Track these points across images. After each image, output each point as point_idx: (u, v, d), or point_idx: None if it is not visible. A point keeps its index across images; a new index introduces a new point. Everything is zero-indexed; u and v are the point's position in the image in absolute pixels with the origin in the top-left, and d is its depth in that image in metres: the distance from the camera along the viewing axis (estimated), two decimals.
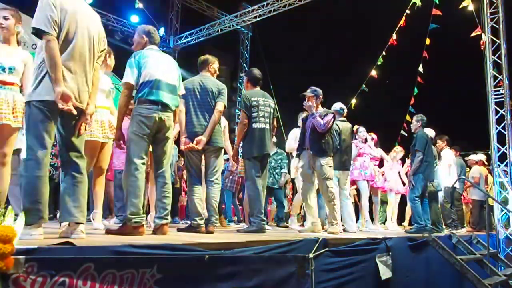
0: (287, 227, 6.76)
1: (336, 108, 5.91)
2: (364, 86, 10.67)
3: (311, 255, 2.95)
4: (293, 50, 13.46)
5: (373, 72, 10.53)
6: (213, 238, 3.08)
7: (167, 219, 3.42)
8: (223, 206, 7.54)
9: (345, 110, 6.06)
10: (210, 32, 12.25)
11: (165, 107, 3.39)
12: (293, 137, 6.33)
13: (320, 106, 5.10)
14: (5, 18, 3.34)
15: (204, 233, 3.82)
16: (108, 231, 3.26)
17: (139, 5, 10.72)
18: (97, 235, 2.98)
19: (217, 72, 4.38)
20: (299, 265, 2.87)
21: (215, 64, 4.32)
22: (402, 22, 9.71)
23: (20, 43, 3.58)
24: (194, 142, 3.97)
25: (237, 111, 14.00)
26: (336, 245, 3.38)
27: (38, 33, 2.52)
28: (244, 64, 14.28)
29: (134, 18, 11.69)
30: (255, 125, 4.54)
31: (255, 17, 11.46)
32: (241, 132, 4.55)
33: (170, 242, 2.36)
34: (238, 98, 14.11)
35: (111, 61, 4.25)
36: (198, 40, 12.50)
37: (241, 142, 4.60)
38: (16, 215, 1.89)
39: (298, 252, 2.93)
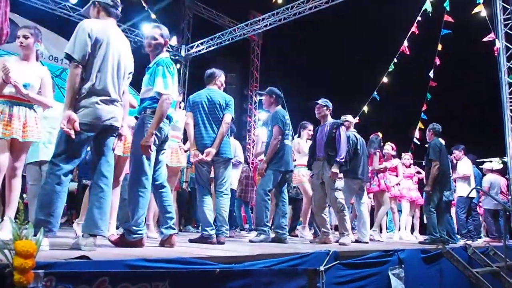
0: (297, 235, 6.76)
1: (347, 119, 5.94)
2: (375, 93, 10.66)
3: (322, 268, 2.95)
4: (303, 58, 13.49)
5: (385, 79, 10.52)
6: (224, 251, 3.10)
7: (174, 228, 3.42)
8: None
9: (351, 121, 6.08)
10: (221, 41, 12.37)
11: (170, 120, 3.47)
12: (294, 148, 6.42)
13: (329, 116, 5.18)
14: (25, 37, 3.47)
15: (216, 244, 3.84)
16: (112, 241, 3.24)
17: (152, 15, 10.87)
18: (108, 248, 3.02)
19: (224, 85, 4.44)
20: (310, 278, 2.88)
21: (221, 77, 4.38)
22: (413, 29, 9.70)
23: (39, 57, 3.67)
24: (204, 154, 4.02)
25: (248, 119, 14.07)
26: (347, 257, 3.37)
27: (68, 58, 2.71)
28: (255, 72, 14.37)
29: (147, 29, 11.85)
30: (287, 142, 4.78)
31: (265, 26, 11.55)
32: (276, 147, 4.70)
33: (181, 256, 2.39)
34: (249, 106, 14.18)
35: None
36: (209, 49, 12.63)
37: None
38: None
39: (309, 265, 2.94)
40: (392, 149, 7.19)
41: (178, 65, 12.79)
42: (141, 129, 3.30)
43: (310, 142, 6.10)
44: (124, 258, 2.13)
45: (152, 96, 3.30)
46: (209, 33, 12.57)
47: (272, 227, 5.05)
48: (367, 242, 5.30)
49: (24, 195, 6.31)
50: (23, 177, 4.75)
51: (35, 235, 1.90)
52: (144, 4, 10.73)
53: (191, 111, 4.16)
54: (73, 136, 2.66)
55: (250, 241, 4.53)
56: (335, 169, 4.85)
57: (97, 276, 1.87)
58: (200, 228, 4.19)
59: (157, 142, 3.32)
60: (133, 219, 3.19)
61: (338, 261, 3.18)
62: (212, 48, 12.58)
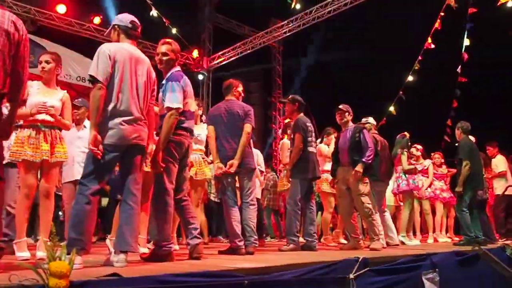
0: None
1: (368, 121, 5.88)
2: (401, 92, 10.49)
3: (352, 276, 2.92)
4: (325, 61, 13.42)
5: (410, 78, 10.34)
6: (253, 261, 3.11)
7: (199, 237, 3.44)
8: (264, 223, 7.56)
9: (373, 123, 6.01)
10: (242, 50, 12.46)
11: (192, 133, 3.53)
12: None
13: (351, 121, 5.17)
14: (47, 62, 3.61)
15: (245, 255, 3.86)
16: (143, 258, 3.32)
17: (173, 30, 11.08)
18: (139, 263, 3.09)
19: (242, 95, 4.46)
20: (339, 286, 2.86)
21: (239, 87, 4.40)
22: (437, 25, 9.52)
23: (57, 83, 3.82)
24: (227, 166, 4.06)
25: (273, 126, 14.09)
26: (377, 263, 3.32)
27: (93, 80, 2.82)
28: (278, 78, 14.39)
29: None
30: (310, 149, 4.77)
31: (285, 32, 11.57)
32: (297, 155, 4.70)
33: (210, 269, 2.42)
34: (274, 113, 14.21)
35: None
36: (231, 59, 12.74)
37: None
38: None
39: (339, 272, 2.91)
40: (417, 150, 7.05)
41: (201, 77, 12.96)
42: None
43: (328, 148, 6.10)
44: (154, 274, 2.18)
45: (166, 112, 3.36)
46: (230, 43, 12.67)
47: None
48: (397, 244, 5.21)
49: (60, 213, 6.53)
50: (59, 196, 4.94)
51: (68, 253, 1.98)
52: (164, 20, 10.94)
53: (212, 125, 4.22)
54: (100, 157, 2.76)
55: (280, 250, 4.53)
56: (359, 168, 4.80)
57: None
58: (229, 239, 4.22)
59: (177, 157, 3.36)
60: (160, 234, 3.26)
61: (369, 268, 3.13)
62: (233, 58, 12.68)
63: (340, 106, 5.16)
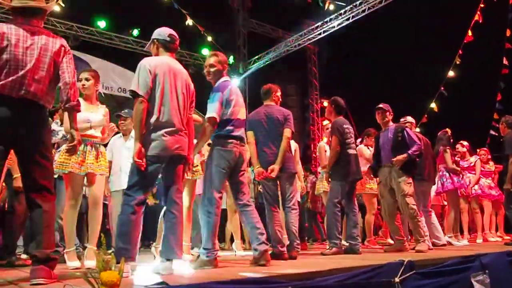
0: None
1: (407, 121, 5.75)
2: (442, 88, 10.18)
3: (397, 279, 2.87)
4: (362, 60, 13.20)
5: (451, 73, 10.02)
6: (296, 267, 3.12)
7: (267, 243, 3.43)
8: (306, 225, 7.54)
9: (412, 122, 5.88)
10: (277, 53, 12.48)
11: (242, 141, 3.57)
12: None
13: (391, 121, 5.07)
14: (87, 80, 3.78)
15: (288, 259, 3.87)
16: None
17: (208, 37, 11.28)
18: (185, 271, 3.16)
19: (281, 100, 4.50)
20: None
21: (278, 92, 4.44)
22: (477, 17, 9.19)
23: (98, 97, 4.01)
24: (268, 171, 4.09)
25: (311, 128, 14.02)
26: (424, 266, 3.24)
27: (134, 95, 2.94)
28: (314, 80, 14.31)
29: (205, 51, 12.29)
30: (349, 151, 4.72)
31: (320, 34, 11.49)
32: (334, 157, 4.69)
33: (253, 275, 2.46)
34: (311, 115, 14.13)
35: None
36: (266, 63, 12.79)
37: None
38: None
39: (383, 276, 2.86)
40: (463, 146, 6.81)
41: (238, 82, 13.09)
42: (210, 156, 3.49)
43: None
44: (199, 282, 2.24)
45: (220, 123, 3.47)
46: (265, 47, 12.74)
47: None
48: (445, 245, 5.05)
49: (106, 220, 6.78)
50: (106, 205, 5.14)
51: (117, 263, 2.07)
52: (200, 28, 11.16)
53: (251, 130, 4.25)
54: (143, 169, 2.86)
55: (323, 254, 4.50)
56: (402, 157, 4.71)
57: None
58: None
59: (226, 164, 3.41)
60: (205, 240, 3.34)
61: (415, 271, 3.07)
62: (269, 62, 12.73)
63: (381, 105, 5.06)
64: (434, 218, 5.39)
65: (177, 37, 3.27)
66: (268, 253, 3.41)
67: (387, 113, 5.03)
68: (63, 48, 2.69)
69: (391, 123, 5.06)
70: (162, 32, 3.22)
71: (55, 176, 4.03)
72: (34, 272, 2.40)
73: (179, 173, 3.09)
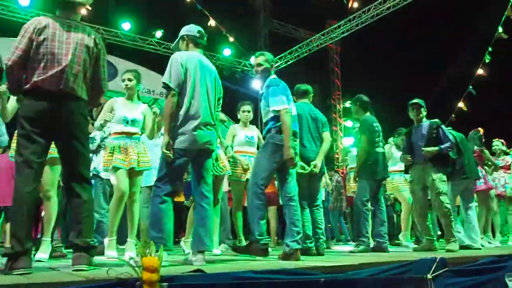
0: (398, 244, 6.50)
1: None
2: (471, 87, 9.99)
3: (429, 276, 2.84)
4: (387, 59, 13.07)
5: (480, 71, 9.84)
6: (326, 261, 3.12)
7: (300, 243, 3.42)
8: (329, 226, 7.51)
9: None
10: (299, 53, 12.48)
11: (296, 136, 3.62)
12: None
13: (425, 117, 4.98)
14: (129, 80, 3.91)
15: (316, 255, 3.88)
16: (235, 249, 3.55)
17: (230, 38, 11.36)
18: (215, 262, 3.20)
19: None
20: (417, 286, 2.79)
21: (312, 94, 4.58)
22: (508, 12, 8.98)
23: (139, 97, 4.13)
24: (311, 166, 4.12)
25: (334, 128, 13.94)
26: (456, 264, 3.20)
27: (166, 87, 3.01)
28: (336, 80, 14.25)
29: (226, 52, 12.38)
30: (378, 149, 4.74)
31: (343, 33, 11.44)
32: (363, 156, 4.70)
33: (286, 267, 2.47)
34: (334, 115, 14.06)
35: None
36: (288, 63, 12.80)
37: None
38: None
39: (415, 273, 2.84)
40: (503, 144, 6.67)
41: (259, 83, 13.12)
42: (265, 148, 3.53)
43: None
44: (233, 271, 2.27)
45: (272, 116, 3.51)
46: (287, 47, 12.76)
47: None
48: (479, 248, 4.91)
49: None
50: None
51: (156, 251, 2.11)
52: (222, 29, 11.24)
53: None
54: (171, 160, 2.93)
55: (351, 252, 4.48)
56: (432, 149, 4.64)
57: (213, 287, 2.03)
58: None
59: (280, 158, 3.44)
60: (256, 230, 3.40)
61: (447, 268, 3.03)
62: (290, 61, 12.74)
63: (416, 101, 4.95)
64: (473, 219, 5.24)
65: (205, 34, 3.33)
66: (298, 252, 3.40)
67: (422, 109, 4.93)
68: (97, 42, 2.76)
69: (425, 120, 4.96)
70: (191, 29, 3.29)
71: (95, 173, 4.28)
72: (75, 259, 2.48)
73: (207, 167, 3.13)
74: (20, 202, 2.43)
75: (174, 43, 3.38)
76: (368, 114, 4.91)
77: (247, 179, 4.39)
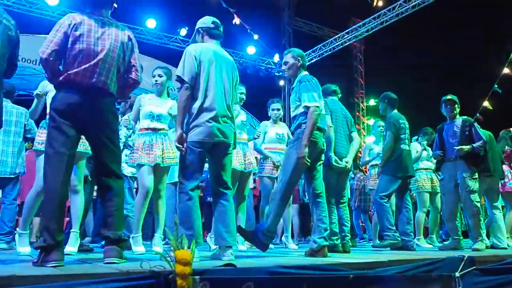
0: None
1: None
2: (496, 86, 9.79)
3: (457, 274, 2.82)
4: (412, 57, 12.90)
5: (506, 70, 9.62)
6: (354, 258, 3.15)
7: (326, 240, 3.42)
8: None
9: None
10: (322, 52, 12.43)
11: (324, 132, 3.63)
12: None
13: (458, 115, 4.93)
14: (160, 76, 3.96)
15: (342, 253, 3.89)
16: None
17: (255, 36, 11.40)
18: (243, 257, 3.26)
19: None
20: (445, 284, 2.77)
21: (340, 94, 4.61)
22: None
23: (169, 94, 4.18)
24: (343, 162, 4.14)
25: (357, 126, 13.84)
26: (484, 263, 3.18)
27: (179, 80, 3.00)
28: (360, 78, 14.13)
29: (251, 49, 12.42)
30: (403, 146, 4.73)
31: (367, 31, 11.33)
32: (388, 153, 4.70)
33: (315, 263, 2.51)
34: (357, 113, 13.95)
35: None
36: (311, 61, 12.76)
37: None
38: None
39: (443, 271, 2.83)
40: None
41: (282, 82, 13.13)
42: (295, 143, 3.48)
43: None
44: (263, 265, 2.32)
45: (302, 111, 3.49)
46: (310, 45, 12.73)
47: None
48: (505, 248, 4.84)
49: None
50: None
51: (188, 246, 2.17)
52: (246, 27, 11.29)
53: (329, 115, 4.16)
54: (184, 153, 2.92)
55: (373, 246, 4.48)
56: (465, 147, 4.60)
57: (244, 281, 2.07)
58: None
59: (309, 155, 3.42)
60: (269, 224, 3.42)
61: (475, 267, 3.01)
62: (314, 60, 12.70)
63: (450, 97, 4.90)
64: (499, 218, 5.17)
65: (220, 24, 3.26)
66: (325, 249, 3.40)
67: (456, 105, 4.88)
68: (130, 39, 2.82)
69: (458, 116, 4.90)
70: (205, 20, 3.23)
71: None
72: (107, 252, 2.53)
73: (224, 161, 3.06)
74: (52, 195, 2.43)
75: (192, 37, 3.32)
76: (395, 111, 4.89)
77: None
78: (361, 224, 8.13)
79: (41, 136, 3.41)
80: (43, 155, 3.26)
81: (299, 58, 3.69)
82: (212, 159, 3.05)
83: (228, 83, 3.11)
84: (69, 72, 2.54)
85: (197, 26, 3.25)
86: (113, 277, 2.00)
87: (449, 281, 2.82)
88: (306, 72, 3.68)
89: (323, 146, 3.59)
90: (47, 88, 3.50)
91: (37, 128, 3.78)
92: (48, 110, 3.30)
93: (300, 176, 3.54)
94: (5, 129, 4.43)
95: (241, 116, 4.49)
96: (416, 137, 6.27)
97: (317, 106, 3.42)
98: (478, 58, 11.30)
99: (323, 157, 3.66)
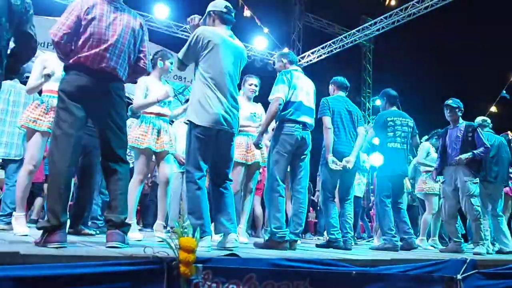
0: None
1: (479, 122, 5.49)
2: (504, 92, 9.73)
3: (459, 276, 2.82)
4: (420, 59, 12.82)
5: None
6: (357, 255, 3.14)
7: (299, 237, 3.54)
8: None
9: (489, 122, 5.62)
10: (332, 49, 12.35)
11: (305, 126, 3.60)
12: None
13: (460, 118, 4.87)
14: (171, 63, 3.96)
15: (343, 249, 3.89)
16: (256, 245, 3.48)
17: (265, 30, 11.34)
18: (251, 249, 3.26)
19: None
20: (446, 286, 2.77)
21: (348, 88, 4.55)
22: None
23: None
24: (343, 161, 4.06)
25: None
26: (486, 266, 3.16)
27: (179, 61, 3.03)
28: (367, 77, 14.06)
29: (260, 43, 12.34)
30: (390, 145, 4.64)
31: (378, 30, 11.25)
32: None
33: (319, 258, 2.50)
34: (363, 113, 13.89)
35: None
36: (320, 57, 12.70)
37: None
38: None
39: (445, 272, 2.83)
40: None
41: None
42: (274, 138, 3.55)
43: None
44: (268, 257, 2.31)
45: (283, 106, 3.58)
46: (320, 42, 12.66)
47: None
48: (510, 252, 4.82)
49: None
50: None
51: (192, 236, 2.16)
52: (256, 20, 11.23)
53: (330, 116, 4.16)
54: (190, 141, 2.92)
55: (370, 248, 4.48)
56: (465, 155, 4.55)
57: (246, 272, 2.07)
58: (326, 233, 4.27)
59: (288, 148, 3.48)
60: (272, 223, 3.39)
61: (477, 270, 3.00)
62: (323, 57, 12.63)
63: (449, 102, 4.85)
64: (503, 223, 5.14)
65: (233, 9, 3.19)
66: (295, 244, 3.50)
67: (457, 110, 4.83)
68: (142, 27, 2.81)
69: (461, 121, 4.87)
70: (218, 4, 3.13)
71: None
72: (110, 236, 2.50)
73: (226, 150, 3.02)
74: (57, 176, 2.41)
75: (202, 18, 3.20)
76: (394, 108, 4.85)
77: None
78: (360, 223, 8.14)
79: (33, 113, 3.37)
80: (35, 134, 3.32)
81: (282, 58, 3.86)
82: (215, 147, 2.98)
83: (234, 72, 3.06)
84: (79, 56, 2.53)
85: (208, 9, 3.15)
86: (117, 261, 2.00)
87: (451, 283, 2.81)
88: (293, 67, 3.79)
89: (302, 140, 3.56)
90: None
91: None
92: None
93: (283, 169, 3.51)
94: (13, 110, 4.38)
95: (255, 108, 4.47)
96: (427, 137, 6.23)
97: (279, 97, 3.51)
98: (488, 61, 11.21)
99: (307, 152, 3.64)
